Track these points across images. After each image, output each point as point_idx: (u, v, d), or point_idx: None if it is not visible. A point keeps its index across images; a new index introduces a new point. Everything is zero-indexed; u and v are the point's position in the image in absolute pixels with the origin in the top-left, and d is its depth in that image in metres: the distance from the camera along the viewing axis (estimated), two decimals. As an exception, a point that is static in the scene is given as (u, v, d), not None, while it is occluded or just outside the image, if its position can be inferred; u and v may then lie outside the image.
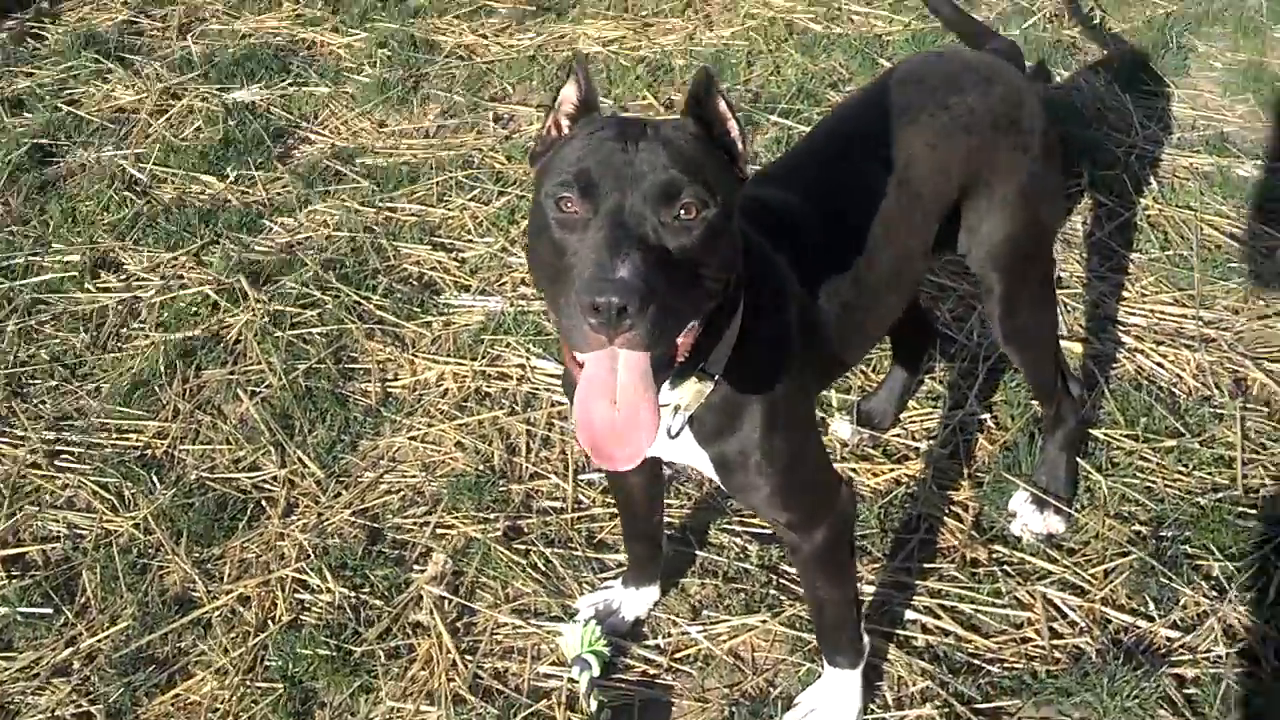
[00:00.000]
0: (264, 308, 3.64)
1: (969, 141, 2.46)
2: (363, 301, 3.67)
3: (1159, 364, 3.40)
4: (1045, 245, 2.77)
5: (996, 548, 2.91)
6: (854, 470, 3.11)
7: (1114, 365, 3.41)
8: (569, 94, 1.92)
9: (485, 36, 5.09)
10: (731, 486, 2.21)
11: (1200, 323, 3.54)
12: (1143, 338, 3.50)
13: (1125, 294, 3.67)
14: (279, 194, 4.19)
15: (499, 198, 4.12)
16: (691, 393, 2.00)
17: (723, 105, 1.89)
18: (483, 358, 3.48)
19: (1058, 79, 4.72)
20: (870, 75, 4.78)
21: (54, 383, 3.46)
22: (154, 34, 5.19)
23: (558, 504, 3.05)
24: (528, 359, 3.47)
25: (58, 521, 3.05)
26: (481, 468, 3.15)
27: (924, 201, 2.43)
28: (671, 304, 1.67)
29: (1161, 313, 3.60)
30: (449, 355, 3.49)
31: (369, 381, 3.42)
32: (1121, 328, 3.54)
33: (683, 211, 1.73)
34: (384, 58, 4.90)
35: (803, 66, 4.80)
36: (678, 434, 2.04)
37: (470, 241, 3.95)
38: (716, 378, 2.00)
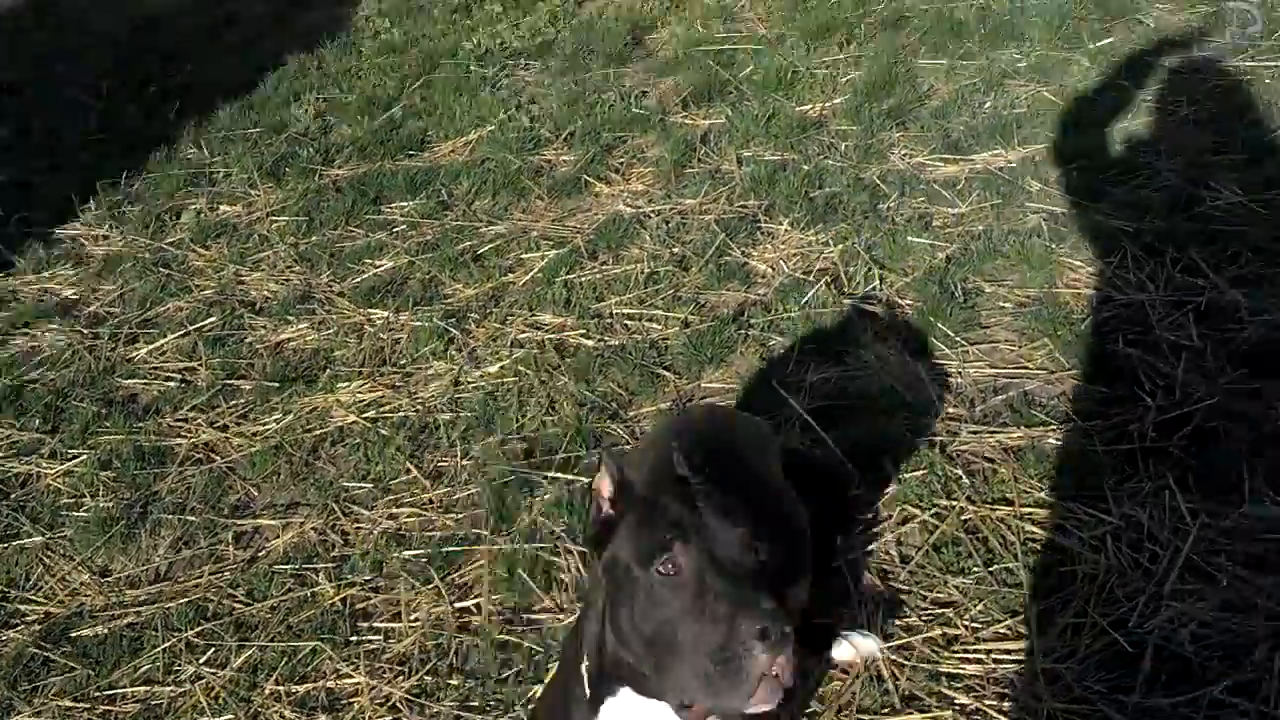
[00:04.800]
0: None
1: None
2: None
3: (1006, 728, 2.93)
4: None
5: None
6: None
7: (957, 742, 2.92)
8: (604, 486, 2.16)
9: (226, 428, 4.56)
10: None
11: (1041, 658, 3.08)
12: (982, 693, 3.02)
13: (956, 633, 3.20)
14: (-23, 702, 3.54)
15: (239, 653, 3.51)
16: None
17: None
18: None
19: (848, 360, 4.36)
20: (650, 393, 4.37)
21: None
22: None
23: None
24: None
25: None
26: None
27: None
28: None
29: (1000, 652, 3.13)
30: None
31: None
32: (956, 685, 3.06)
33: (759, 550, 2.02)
34: (107, 482, 4.32)
35: (578, 396, 4.37)
36: None
37: (204, 728, 3.34)
38: None
